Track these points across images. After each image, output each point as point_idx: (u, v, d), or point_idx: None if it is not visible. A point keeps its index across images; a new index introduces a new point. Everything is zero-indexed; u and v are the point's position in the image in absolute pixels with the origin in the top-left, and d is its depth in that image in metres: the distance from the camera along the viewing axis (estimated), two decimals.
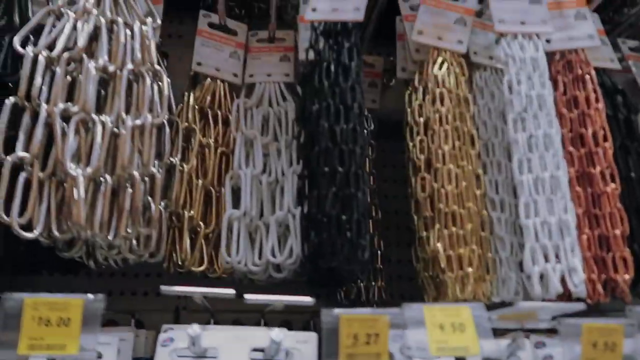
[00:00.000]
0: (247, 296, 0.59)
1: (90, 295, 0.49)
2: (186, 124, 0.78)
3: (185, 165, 0.75)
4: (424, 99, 0.77)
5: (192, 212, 0.75)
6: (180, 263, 0.74)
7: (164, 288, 0.49)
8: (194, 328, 0.52)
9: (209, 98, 0.82)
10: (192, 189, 0.76)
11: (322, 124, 0.65)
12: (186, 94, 0.80)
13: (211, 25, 0.88)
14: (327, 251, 0.63)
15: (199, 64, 0.83)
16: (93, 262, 0.68)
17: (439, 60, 0.76)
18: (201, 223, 0.75)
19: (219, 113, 0.82)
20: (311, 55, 0.71)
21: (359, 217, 0.63)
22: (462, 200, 0.70)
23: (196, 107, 0.80)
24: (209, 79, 0.83)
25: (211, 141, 0.79)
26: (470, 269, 0.67)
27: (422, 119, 0.76)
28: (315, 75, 0.69)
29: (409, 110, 0.81)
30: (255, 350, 0.55)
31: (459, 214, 0.70)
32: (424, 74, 0.78)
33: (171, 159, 0.72)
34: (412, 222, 0.80)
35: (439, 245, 0.69)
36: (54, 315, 0.48)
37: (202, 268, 0.76)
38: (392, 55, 1.04)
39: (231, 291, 0.50)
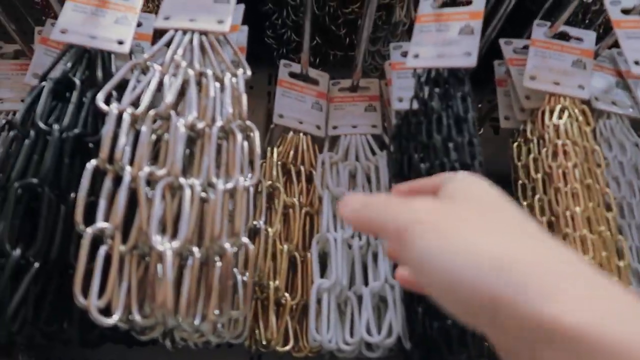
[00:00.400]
0: None
1: None
2: (269, 182, 0.71)
3: (270, 229, 0.67)
4: (539, 152, 0.67)
5: (277, 282, 0.66)
6: (264, 342, 0.65)
7: None
8: None
9: (292, 153, 0.75)
10: (275, 255, 0.68)
11: None
12: (269, 149, 0.73)
13: (292, 75, 0.82)
14: (449, 339, 0.52)
15: (280, 116, 0.77)
16: (170, 342, 0.60)
17: (557, 108, 0.67)
18: (287, 295, 0.67)
19: (302, 169, 0.74)
20: (415, 105, 0.63)
21: None
22: (605, 271, 0.58)
23: (279, 163, 0.73)
24: (291, 132, 0.76)
25: (295, 200, 0.71)
26: None
27: (539, 175, 0.66)
28: (422, 129, 0.60)
29: (519, 164, 0.71)
30: None
31: None
32: (538, 124, 0.68)
33: (255, 222, 0.65)
34: None
35: None
36: None
37: (287, 348, 0.66)
38: (482, 102, 0.96)
39: None
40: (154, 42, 0.70)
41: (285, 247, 0.68)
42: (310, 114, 0.79)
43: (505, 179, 0.78)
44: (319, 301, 0.65)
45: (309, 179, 0.75)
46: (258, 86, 0.98)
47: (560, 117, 0.66)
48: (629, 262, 0.61)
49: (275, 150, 0.74)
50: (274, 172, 0.72)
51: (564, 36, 0.71)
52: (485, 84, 0.88)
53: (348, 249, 0.68)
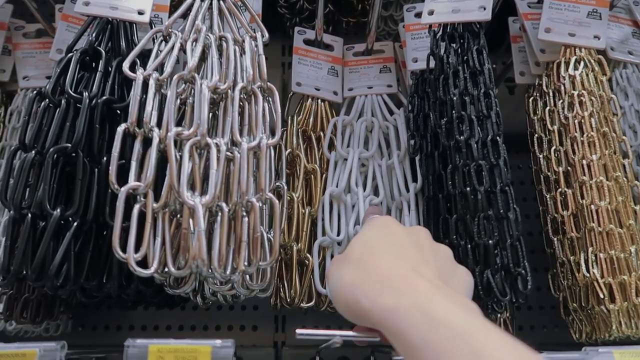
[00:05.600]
0: (299, 331, 0.50)
1: (218, 341, 0.43)
2: (290, 149, 0.72)
3: (293, 194, 0.69)
4: (554, 105, 0.68)
5: (299, 244, 0.69)
6: (289, 300, 0.67)
7: (300, 332, 0.42)
8: None
9: (311, 120, 0.76)
10: (298, 219, 0.70)
11: (456, 138, 0.57)
12: (289, 118, 0.75)
13: (306, 42, 0.83)
14: (480, 287, 0.54)
15: (298, 84, 0.78)
16: (201, 298, 0.63)
17: (573, 59, 0.67)
18: (309, 255, 0.69)
19: (322, 135, 0.76)
20: (431, 62, 0.64)
21: (514, 242, 0.54)
22: (620, 217, 0.59)
23: (299, 130, 0.74)
24: (309, 100, 0.78)
25: (317, 167, 0.72)
26: None
27: (555, 127, 0.67)
28: (439, 85, 0.61)
29: (535, 118, 0.72)
30: None
31: (618, 234, 0.59)
32: (553, 77, 0.69)
33: (278, 183, 0.67)
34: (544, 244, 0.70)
35: (594, 271, 0.59)
36: None
37: (311, 304, 0.69)
38: (497, 63, 0.96)
39: (375, 338, 0.42)
40: (170, 14, 0.72)
41: (307, 210, 0.70)
42: (327, 81, 0.80)
43: (521, 137, 0.79)
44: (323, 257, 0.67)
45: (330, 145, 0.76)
46: (272, 57, 0.99)
47: (576, 68, 0.66)
48: None
49: (295, 118, 0.75)
50: (294, 140, 0.73)
51: None
52: (499, 45, 0.88)
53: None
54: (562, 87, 0.66)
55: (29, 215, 0.51)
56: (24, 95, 0.77)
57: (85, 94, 0.56)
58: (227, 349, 0.42)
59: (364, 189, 0.69)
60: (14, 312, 0.59)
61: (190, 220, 0.50)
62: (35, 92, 0.58)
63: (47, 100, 0.56)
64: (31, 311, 0.61)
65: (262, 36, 0.60)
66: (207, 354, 0.42)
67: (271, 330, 0.86)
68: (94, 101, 0.56)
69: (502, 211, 0.54)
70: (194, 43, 0.56)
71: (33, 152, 0.53)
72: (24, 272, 0.50)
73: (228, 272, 0.51)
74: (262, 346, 0.85)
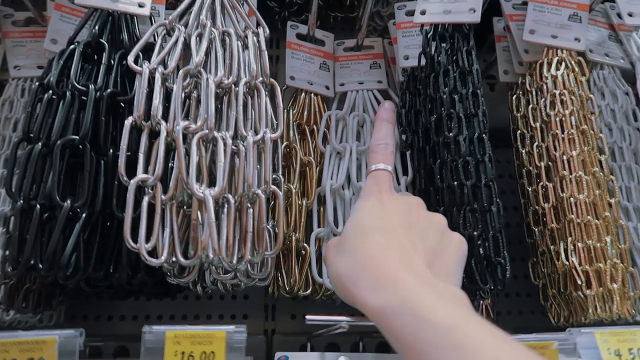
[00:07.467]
0: (309, 317, 0.53)
1: (231, 327, 0.45)
2: (286, 142, 0.74)
3: (291, 186, 0.71)
4: (537, 102, 0.72)
5: (297, 234, 0.71)
6: (288, 288, 0.70)
7: (310, 317, 0.45)
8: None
9: (305, 114, 0.78)
10: (294, 210, 0.72)
11: (444, 134, 0.60)
12: (285, 111, 0.77)
13: (298, 36, 0.85)
14: (464, 275, 0.57)
15: (292, 78, 0.80)
16: (201, 287, 0.65)
17: (555, 60, 0.71)
18: (306, 245, 0.71)
19: (315, 128, 0.78)
20: (422, 60, 0.67)
21: (495, 234, 0.58)
22: (597, 209, 0.64)
23: (295, 123, 0.76)
24: (303, 94, 0.80)
25: (312, 159, 0.75)
26: (615, 285, 0.61)
27: (537, 124, 0.71)
28: (430, 83, 0.64)
29: (518, 115, 0.76)
30: None
31: (594, 225, 0.63)
32: (536, 76, 0.73)
33: (275, 176, 0.69)
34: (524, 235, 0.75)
35: (573, 259, 0.63)
36: (197, 349, 0.44)
37: (308, 292, 0.71)
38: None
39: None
40: (167, 6, 0.73)
41: (304, 202, 0.73)
42: (319, 75, 0.82)
43: (500, 133, 0.83)
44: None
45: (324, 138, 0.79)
46: None
47: (557, 69, 0.70)
48: (619, 199, 0.67)
49: (291, 111, 0.77)
50: (291, 133, 0.75)
51: None
52: (481, 43, 0.92)
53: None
54: (545, 86, 0.70)
55: (38, 206, 0.52)
56: (16, 85, 0.76)
57: (92, 86, 0.56)
58: (240, 334, 0.45)
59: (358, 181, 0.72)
60: (15, 301, 0.60)
61: (198, 212, 0.52)
62: (38, 83, 0.58)
63: (50, 92, 0.57)
64: (32, 301, 0.61)
65: (264, 32, 0.62)
66: (222, 338, 0.44)
67: (261, 319, 0.88)
68: (98, 94, 0.57)
69: (486, 204, 0.58)
70: (199, 38, 0.58)
71: (40, 143, 0.54)
72: (33, 262, 0.51)
73: (235, 261, 0.54)
74: (253, 334, 0.87)
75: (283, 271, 0.70)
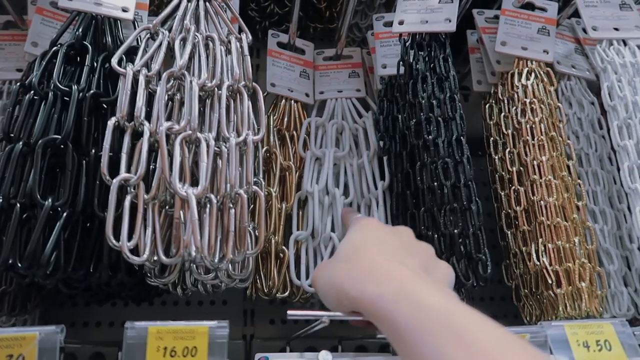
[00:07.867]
0: (290, 312, 0.55)
1: (214, 322, 0.46)
2: (267, 147, 0.76)
3: (271, 189, 0.72)
4: (509, 111, 0.75)
5: (277, 237, 0.72)
6: (266, 290, 0.70)
7: (291, 312, 0.46)
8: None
9: (285, 120, 0.80)
10: (274, 213, 0.73)
11: (424, 137, 0.63)
12: (265, 116, 0.78)
13: (279, 45, 0.87)
14: None
15: (272, 85, 0.82)
16: (181, 290, 0.65)
17: (525, 70, 0.74)
18: (285, 248, 0.72)
19: (295, 134, 0.80)
20: (401, 68, 0.69)
21: (476, 231, 0.60)
22: (566, 212, 0.67)
23: (275, 129, 0.78)
24: (284, 100, 0.81)
25: (291, 163, 0.76)
26: (583, 284, 0.63)
27: (509, 131, 0.74)
28: (409, 89, 0.66)
29: (491, 123, 0.79)
30: None
31: (564, 227, 0.66)
32: (508, 86, 0.76)
33: (256, 179, 0.70)
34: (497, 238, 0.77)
35: (544, 260, 0.66)
36: (180, 344, 0.44)
37: (286, 294, 0.72)
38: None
39: (358, 317, 0.46)
40: (150, 12, 0.74)
41: (283, 206, 0.74)
42: (300, 83, 0.84)
43: (474, 140, 0.86)
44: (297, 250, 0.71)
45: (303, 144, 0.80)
46: None
47: (528, 79, 0.74)
48: (585, 202, 0.70)
49: (272, 117, 0.78)
50: (271, 138, 0.76)
51: (530, 6, 0.79)
52: (455, 55, 0.95)
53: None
54: (516, 95, 0.74)
55: (18, 205, 0.51)
56: None
57: (75, 87, 0.57)
58: (222, 329, 0.45)
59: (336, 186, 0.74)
60: None
61: (181, 211, 0.53)
62: (19, 84, 0.58)
63: (32, 92, 0.57)
64: (8, 304, 0.61)
65: (247, 37, 0.63)
66: (205, 334, 0.44)
67: (240, 324, 0.88)
68: (81, 94, 0.57)
69: (465, 203, 0.60)
70: (182, 42, 0.59)
71: (21, 143, 0.54)
72: (12, 261, 0.50)
73: (217, 259, 0.54)
74: (232, 339, 0.87)
75: (262, 274, 0.71)
